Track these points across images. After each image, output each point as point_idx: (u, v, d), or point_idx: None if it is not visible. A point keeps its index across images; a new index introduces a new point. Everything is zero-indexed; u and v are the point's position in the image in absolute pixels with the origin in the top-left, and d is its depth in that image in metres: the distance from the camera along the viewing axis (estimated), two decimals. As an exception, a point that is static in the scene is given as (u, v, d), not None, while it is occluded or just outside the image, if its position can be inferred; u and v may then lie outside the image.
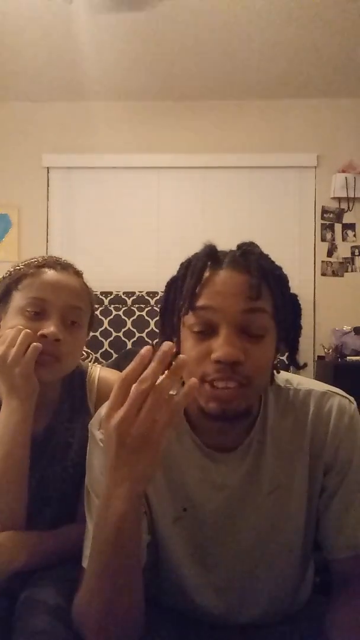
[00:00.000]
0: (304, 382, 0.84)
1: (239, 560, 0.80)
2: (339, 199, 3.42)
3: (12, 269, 0.96)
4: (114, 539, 0.64)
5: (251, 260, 0.73)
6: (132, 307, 3.27)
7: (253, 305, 0.70)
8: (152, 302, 3.27)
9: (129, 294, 3.29)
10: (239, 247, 0.77)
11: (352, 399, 0.82)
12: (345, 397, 0.82)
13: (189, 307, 0.71)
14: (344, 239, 3.44)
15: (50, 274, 0.93)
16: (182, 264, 0.77)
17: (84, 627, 0.69)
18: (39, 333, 0.87)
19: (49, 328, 0.87)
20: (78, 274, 0.99)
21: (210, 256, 0.74)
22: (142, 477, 0.63)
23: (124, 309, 3.27)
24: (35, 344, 0.85)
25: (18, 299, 0.91)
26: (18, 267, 0.95)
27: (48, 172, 3.53)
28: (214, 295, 0.70)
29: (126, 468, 0.62)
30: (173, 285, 0.77)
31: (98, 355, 3.14)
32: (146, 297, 3.28)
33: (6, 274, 0.96)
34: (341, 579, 0.79)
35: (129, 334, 3.24)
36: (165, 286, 0.79)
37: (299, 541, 0.81)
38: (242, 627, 0.82)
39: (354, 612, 0.74)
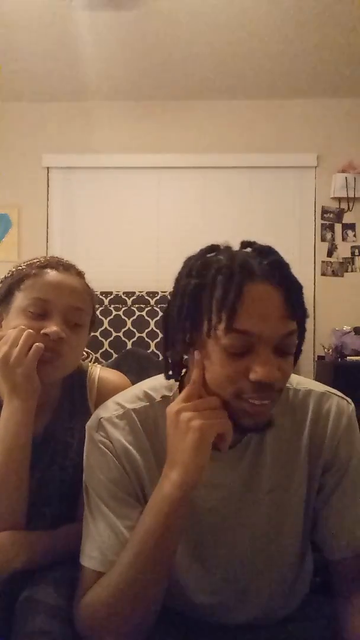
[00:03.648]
0: (303, 382, 0.84)
1: (237, 559, 0.80)
2: (339, 199, 3.42)
3: (14, 269, 0.96)
4: (162, 522, 0.68)
5: (285, 275, 0.69)
6: (132, 307, 3.27)
7: (291, 328, 0.69)
8: (152, 302, 3.26)
9: (129, 294, 3.29)
10: (259, 252, 0.71)
11: (349, 400, 0.83)
12: (344, 399, 0.83)
13: (227, 328, 0.66)
14: (344, 239, 3.44)
15: (52, 274, 0.92)
16: (203, 268, 0.71)
17: (98, 624, 0.69)
18: (41, 332, 0.87)
19: (51, 327, 0.87)
20: (80, 275, 0.99)
21: (244, 267, 0.68)
22: (194, 469, 0.68)
23: (124, 309, 3.27)
24: (37, 344, 0.85)
25: (20, 299, 0.91)
26: (20, 267, 0.95)
27: (48, 172, 3.53)
28: (254, 319, 0.66)
29: (179, 456, 0.68)
30: (199, 293, 0.70)
31: (98, 355, 3.13)
32: (146, 297, 3.28)
33: (8, 273, 0.96)
34: (342, 580, 0.79)
35: (129, 334, 3.24)
36: (188, 294, 0.71)
37: (296, 540, 0.82)
38: (241, 627, 0.82)
39: None
